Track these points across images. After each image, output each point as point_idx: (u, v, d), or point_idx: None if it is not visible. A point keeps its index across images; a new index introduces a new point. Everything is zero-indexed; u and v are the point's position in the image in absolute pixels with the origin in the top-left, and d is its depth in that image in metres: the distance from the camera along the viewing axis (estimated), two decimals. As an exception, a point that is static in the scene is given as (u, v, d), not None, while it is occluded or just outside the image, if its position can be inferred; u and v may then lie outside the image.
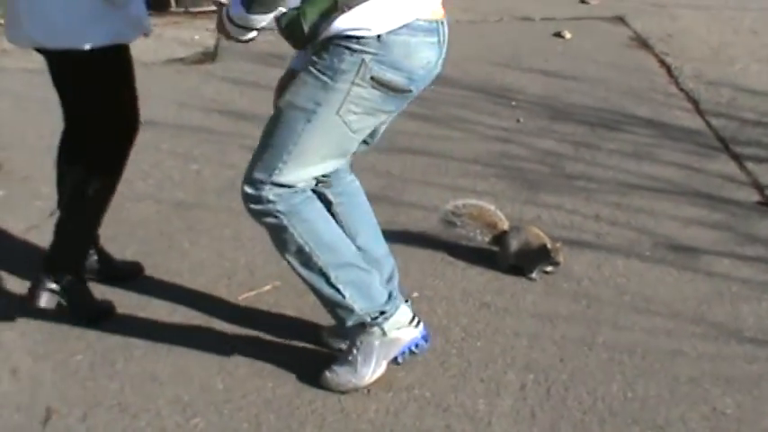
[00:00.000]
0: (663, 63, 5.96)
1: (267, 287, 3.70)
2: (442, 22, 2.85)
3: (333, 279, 3.02)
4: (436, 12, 2.82)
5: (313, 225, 2.97)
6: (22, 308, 3.47)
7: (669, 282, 3.78)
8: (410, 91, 2.86)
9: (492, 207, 3.96)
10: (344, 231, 3.12)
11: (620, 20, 6.70)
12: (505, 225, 3.92)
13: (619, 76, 5.74)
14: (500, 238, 3.89)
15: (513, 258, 3.83)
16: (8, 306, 3.55)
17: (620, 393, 3.16)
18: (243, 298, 3.65)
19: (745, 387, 3.18)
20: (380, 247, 3.28)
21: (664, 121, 5.18)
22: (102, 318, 3.51)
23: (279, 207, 2.90)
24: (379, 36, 2.72)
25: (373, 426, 3.02)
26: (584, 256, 3.93)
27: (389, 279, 3.27)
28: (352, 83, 2.76)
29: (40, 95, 5.36)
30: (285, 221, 2.92)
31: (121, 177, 3.47)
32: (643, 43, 6.29)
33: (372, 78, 2.76)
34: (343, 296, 3.05)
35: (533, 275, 3.79)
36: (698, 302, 3.65)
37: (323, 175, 3.08)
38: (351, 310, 3.07)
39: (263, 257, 3.81)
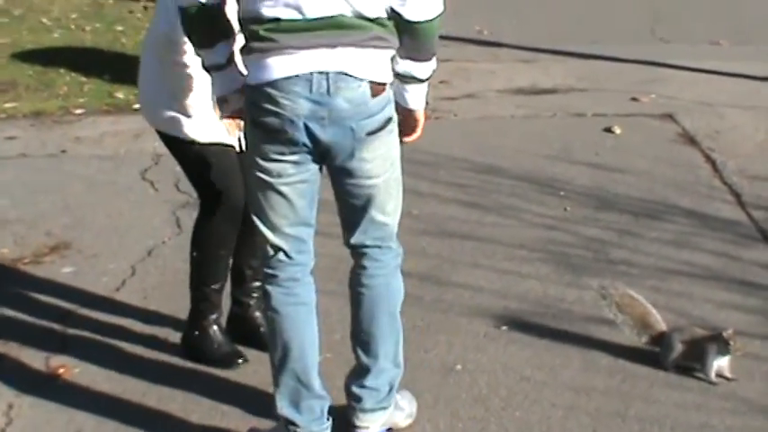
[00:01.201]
0: (708, 158, 6.17)
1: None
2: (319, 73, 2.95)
3: None
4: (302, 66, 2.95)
5: None
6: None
7: (702, 361, 3.96)
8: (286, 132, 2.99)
9: (649, 305, 4.03)
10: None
11: (670, 117, 6.93)
12: (663, 326, 3.98)
13: (665, 170, 5.96)
14: (660, 337, 3.96)
15: (681, 358, 3.89)
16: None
17: (648, 462, 3.35)
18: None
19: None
20: None
21: (705, 212, 5.38)
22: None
23: None
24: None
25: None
26: (621, 335, 4.12)
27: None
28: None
29: (110, 179, 5.79)
30: None
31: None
32: (690, 139, 6.51)
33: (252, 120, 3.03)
34: None
35: (712, 375, 3.81)
36: (726, 382, 3.82)
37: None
38: None
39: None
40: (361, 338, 3.35)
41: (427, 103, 3.35)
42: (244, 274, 4.00)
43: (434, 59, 3.18)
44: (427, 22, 3.01)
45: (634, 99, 7.37)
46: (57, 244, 4.96)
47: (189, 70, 3.48)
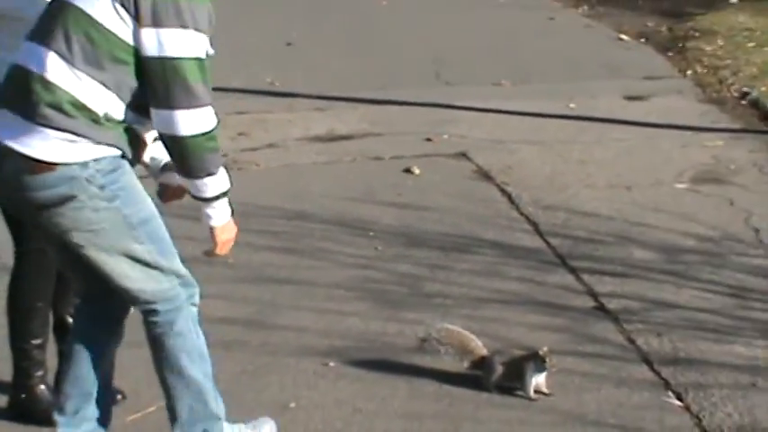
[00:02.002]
0: (504, 192, 6.52)
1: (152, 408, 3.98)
2: None
3: None
4: None
5: None
6: None
7: (520, 379, 4.22)
8: None
9: (468, 333, 4.24)
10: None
11: (464, 155, 7.28)
12: (483, 351, 4.18)
13: (465, 205, 6.26)
14: (482, 361, 4.16)
15: (502, 379, 4.09)
16: None
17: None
18: (130, 420, 3.92)
19: (591, 462, 3.62)
20: None
21: (508, 242, 5.70)
22: None
23: None
24: None
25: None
26: (443, 362, 4.33)
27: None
28: None
29: None
30: None
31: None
32: (485, 175, 6.86)
33: None
34: None
35: (531, 391, 4.04)
36: (546, 394, 4.09)
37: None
38: None
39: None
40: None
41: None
42: (67, 324, 3.98)
43: (213, 179, 3.17)
44: (183, 137, 3.08)
45: (428, 140, 7.69)
46: None
47: None
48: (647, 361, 4.37)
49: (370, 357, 4.44)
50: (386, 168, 7.10)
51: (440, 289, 5.12)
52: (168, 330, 3.32)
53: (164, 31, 3.02)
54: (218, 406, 3.49)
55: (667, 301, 4.95)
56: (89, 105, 3.04)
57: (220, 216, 3.26)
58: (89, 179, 3.07)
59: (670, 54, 10.41)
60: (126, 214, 3.16)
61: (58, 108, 3.02)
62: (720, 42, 10.41)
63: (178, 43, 3.03)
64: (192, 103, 3.05)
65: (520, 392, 4.09)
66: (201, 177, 3.14)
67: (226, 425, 3.51)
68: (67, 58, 3.04)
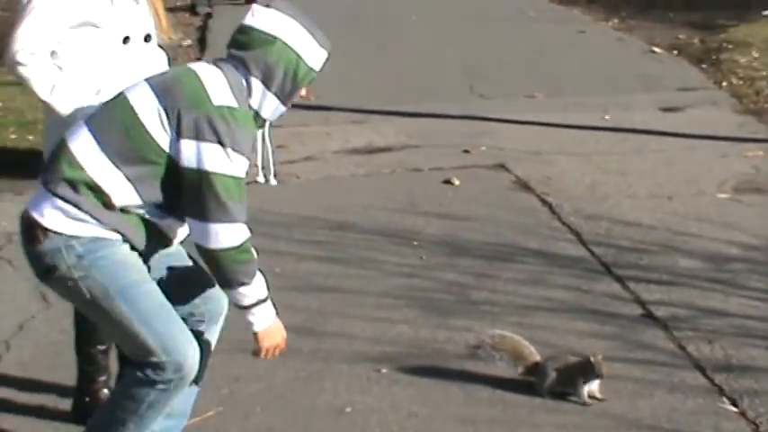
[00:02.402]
0: (544, 202, 6.55)
1: (210, 413, 4.03)
2: None
3: None
4: None
5: None
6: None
7: (573, 385, 4.25)
8: None
9: (522, 339, 4.26)
10: None
11: (502, 166, 7.32)
12: (537, 357, 4.21)
13: (507, 215, 6.29)
14: (535, 367, 4.18)
15: (555, 384, 4.11)
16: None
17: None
18: (190, 424, 3.96)
19: (649, 465, 3.64)
20: None
21: (552, 251, 5.72)
22: None
23: None
24: None
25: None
26: (495, 368, 4.36)
27: None
28: None
29: None
30: None
31: None
32: (525, 186, 6.89)
33: None
34: None
35: (585, 397, 4.07)
36: (600, 400, 4.12)
37: None
38: None
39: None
40: None
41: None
42: None
43: (248, 288, 3.21)
44: (213, 250, 3.14)
45: (466, 151, 7.74)
46: (-76, 326, 4.88)
47: None
48: (700, 367, 4.38)
49: (421, 363, 4.47)
50: (426, 180, 7.14)
51: (486, 297, 5.15)
52: (133, 389, 3.27)
53: (204, 145, 3.10)
54: None
55: (716, 308, 4.96)
56: (105, 190, 3.14)
57: (262, 321, 3.30)
58: (67, 249, 3.15)
59: (704, 66, 10.45)
60: (102, 282, 3.18)
61: (73, 184, 3.14)
62: (755, 54, 10.44)
63: (216, 159, 3.09)
64: (223, 218, 3.12)
65: (573, 398, 4.10)
66: (235, 288, 3.21)
67: None
68: (101, 144, 3.16)
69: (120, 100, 3.22)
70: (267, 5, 3.24)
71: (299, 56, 3.20)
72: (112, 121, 3.19)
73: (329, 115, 9.00)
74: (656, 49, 11.39)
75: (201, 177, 3.09)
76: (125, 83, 3.59)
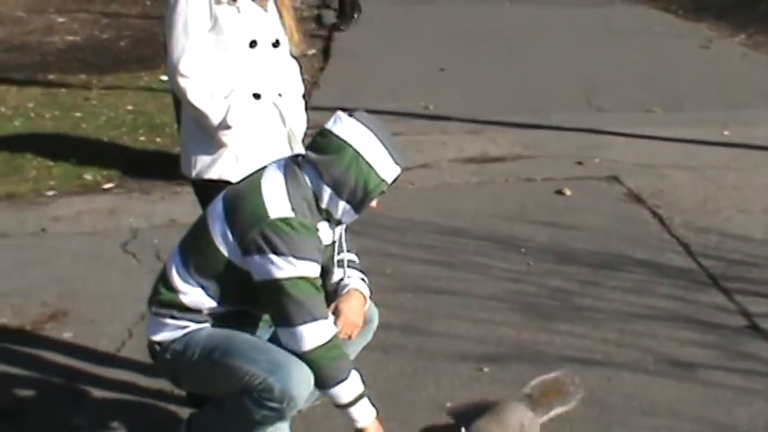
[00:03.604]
0: (655, 214, 6.59)
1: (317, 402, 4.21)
2: None
3: None
4: None
5: None
6: None
7: (671, 391, 4.32)
8: None
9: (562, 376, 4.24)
10: None
11: (615, 179, 7.37)
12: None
13: (616, 226, 6.36)
14: None
15: None
16: None
17: (633, 477, 3.68)
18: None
19: (741, 469, 3.70)
20: None
21: (659, 261, 5.77)
22: None
23: None
24: None
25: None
26: (594, 371, 4.47)
27: None
28: None
29: (93, 253, 6.04)
30: None
31: None
32: (637, 198, 6.94)
33: None
34: None
35: None
36: (697, 406, 4.19)
37: None
38: None
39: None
40: None
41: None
42: None
43: (344, 385, 3.35)
44: (305, 352, 3.29)
45: (579, 163, 7.80)
46: (54, 312, 5.19)
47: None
48: (803, 380, 4.40)
49: (522, 364, 4.58)
50: (538, 189, 7.24)
51: (590, 303, 5.24)
52: (244, 401, 3.38)
53: (266, 258, 3.27)
54: None
55: (823, 324, 4.96)
56: (192, 307, 3.44)
57: (364, 417, 3.44)
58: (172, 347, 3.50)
59: (829, 83, 10.29)
60: (201, 348, 3.43)
61: (168, 306, 3.47)
62: None
63: (281, 268, 3.26)
64: (306, 318, 3.27)
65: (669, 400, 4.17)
66: (333, 386, 3.36)
67: None
68: (186, 265, 3.45)
69: (202, 220, 3.51)
70: (350, 114, 3.36)
71: (370, 167, 3.30)
72: (194, 243, 3.48)
73: (446, 125, 9.15)
74: (782, 66, 11.26)
75: (273, 287, 3.27)
76: (255, 85, 3.85)
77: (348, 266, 3.64)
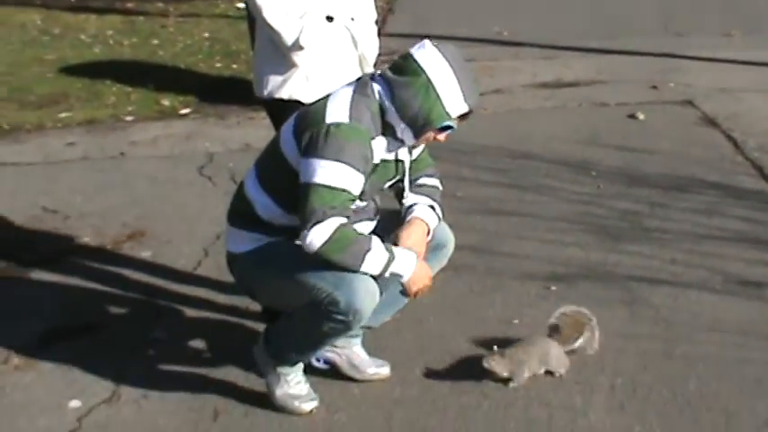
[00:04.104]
0: (729, 138, 6.54)
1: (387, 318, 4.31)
2: None
3: None
4: None
5: None
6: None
7: (738, 309, 4.34)
8: None
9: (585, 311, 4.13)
10: None
11: (690, 103, 7.31)
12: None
13: (689, 150, 6.33)
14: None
15: None
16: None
17: (696, 390, 3.74)
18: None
19: (806, 385, 3.74)
20: None
21: (730, 184, 5.75)
22: None
23: None
24: None
25: (486, 417, 3.63)
26: (661, 290, 4.51)
27: None
28: None
29: (170, 176, 6.20)
30: None
31: None
32: (711, 122, 6.88)
33: None
34: None
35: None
36: (764, 323, 4.21)
37: None
38: None
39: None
40: None
41: None
42: None
43: (367, 266, 3.39)
44: (314, 254, 3.37)
45: (654, 88, 7.76)
46: (132, 232, 5.36)
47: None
48: None
49: (589, 284, 4.64)
50: (611, 114, 7.22)
51: (659, 225, 5.25)
52: (313, 314, 3.49)
53: (311, 160, 3.37)
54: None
55: None
56: (266, 220, 3.58)
57: (404, 271, 3.49)
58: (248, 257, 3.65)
59: None
60: (278, 263, 3.56)
61: (244, 219, 3.62)
62: None
63: (317, 172, 3.35)
64: (312, 222, 3.33)
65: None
66: (361, 267, 3.40)
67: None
68: (260, 179, 3.61)
69: (275, 137, 3.65)
70: (436, 45, 3.42)
71: (438, 98, 3.36)
72: (266, 157, 3.65)
73: (519, 51, 9.13)
74: None
75: (303, 189, 3.37)
76: (328, 7, 3.93)
77: (420, 192, 3.72)
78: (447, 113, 3.39)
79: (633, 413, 3.62)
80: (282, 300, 3.65)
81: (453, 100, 3.37)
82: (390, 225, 3.69)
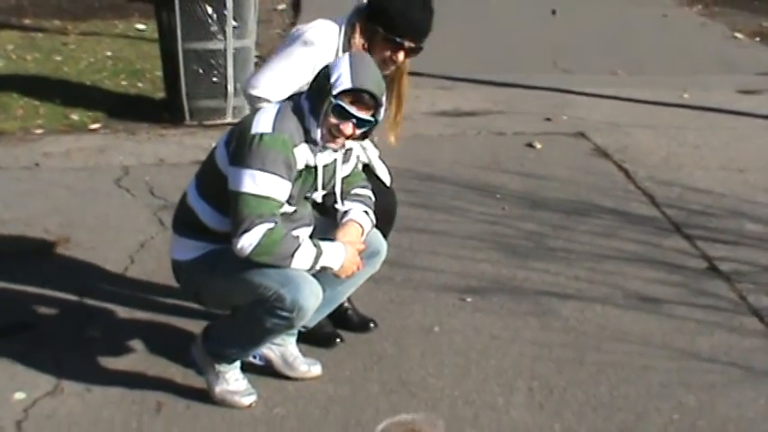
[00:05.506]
0: (621, 168, 6.96)
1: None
2: None
3: None
4: None
5: None
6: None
7: (639, 321, 4.69)
8: None
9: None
10: None
11: (582, 135, 7.73)
12: None
13: (585, 177, 6.72)
14: None
15: None
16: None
17: (606, 393, 4.05)
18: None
19: (704, 388, 4.09)
20: None
21: (625, 210, 6.15)
22: None
23: None
24: None
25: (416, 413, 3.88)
26: (568, 304, 4.83)
27: None
28: None
29: (88, 187, 6.30)
30: None
31: None
32: (603, 153, 7.30)
33: None
34: None
35: None
36: (663, 334, 4.56)
37: None
38: None
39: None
40: None
41: None
42: None
43: (297, 261, 3.63)
44: (248, 256, 3.61)
45: (548, 119, 8.18)
46: (56, 239, 5.46)
47: None
48: (758, 315, 4.76)
49: (502, 296, 4.93)
50: (509, 142, 7.59)
51: (563, 245, 5.60)
52: (256, 310, 3.70)
53: (237, 169, 3.63)
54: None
55: (777, 267, 5.35)
56: (209, 227, 3.80)
57: (333, 263, 3.75)
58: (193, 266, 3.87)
59: (785, 53, 10.72)
60: (222, 270, 3.77)
61: (188, 227, 3.85)
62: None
63: (243, 181, 3.60)
64: (242, 230, 3.57)
65: (641, 329, 4.55)
66: (292, 263, 3.63)
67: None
68: (199, 189, 3.85)
69: (213, 148, 3.89)
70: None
71: (328, 80, 3.65)
72: (203, 167, 3.90)
73: (419, 81, 9.32)
74: (739, 35, 11.70)
75: (233, 197, 3.62)
76: None
77: (355, 200, 3.98)
78: (330, 90, 3.62)
79: (552, 412, 3.91)
80: (229, 302, 3.86)
81: (342, 80, 3.62)
82: (327, 229, 3.93)
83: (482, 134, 7.82)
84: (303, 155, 3.72)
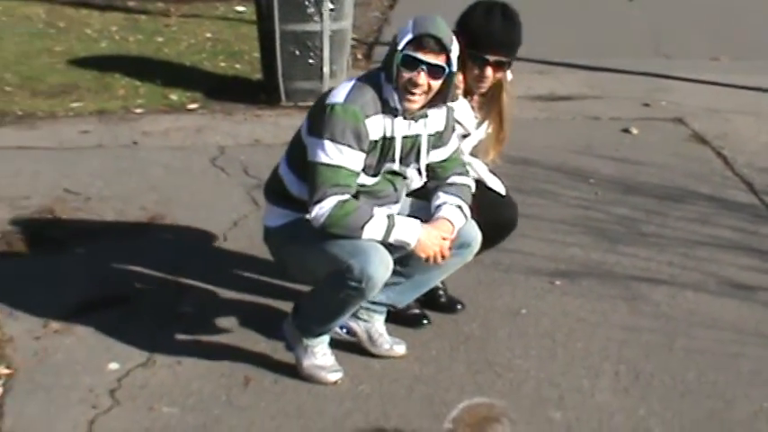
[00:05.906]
0: (719, 154, 6.85)
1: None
2: None
3: None
4: None
5: None
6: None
7: (732, 308, 4.63)
8: None
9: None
10: None
11: (680, 120, 7.62)
12: None
13: (681, 163, 6.63)
14: None
15: None
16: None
17: (695, 379, 4.01)
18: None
19: (796, 377, 4.02)
20: None
21: (722, 196, 6.05)
22: None
23: None
24: None
25: (501, 395, 3.88)
26: (660, 289, 4.79)
27: None
28: None
29: (184, 166, 6.41)
30: None
31: None
32: (701, 139, 7.19)
33: None
34: None
35: None
36: (756, 322, 4.49)
37: None
38: None
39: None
40: None
41: None
42: None
43: (368, 233, 3.68)
44: (322, 226, 3.69)
45: (646, 105, 8.07)
46: (152, 216, 5.58)
47: None
48: None
49: (591, 280, 4.91)
50: (604, 127, 7.52)
51: (655, 230, 5.53)
52: (332, 284, 3.78)
53: (312, 140, 3.74)
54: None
55: None
56: (296, 197, 3.86)
57: (408, 238, 3.76)
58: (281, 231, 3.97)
59: None
60: (303, 239, 3.84)
61: (277, 195, 3.97)
62: None
63: (317, 152, 3.69)
64: (316, 199, 3.67)
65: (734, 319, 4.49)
66: (363, 233, 3.69)
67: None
68: (287, 157, 3.96)
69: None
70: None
71: (395, 40, 3.72)
72: (294, 138, 3.97)
73: (515, 65, 9.29)
74: None
75: (310, 168, 3.71)
76: None
77: (450, 192, 4.00)
78: (398, 48, 3.67)
79: (638, 397, 3.89)
80: (309, 272, 3.92)
81: (405, 35, 3.68)
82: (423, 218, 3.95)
83: (577, 119, 7.76)
84: (379, 125, 3.76)
